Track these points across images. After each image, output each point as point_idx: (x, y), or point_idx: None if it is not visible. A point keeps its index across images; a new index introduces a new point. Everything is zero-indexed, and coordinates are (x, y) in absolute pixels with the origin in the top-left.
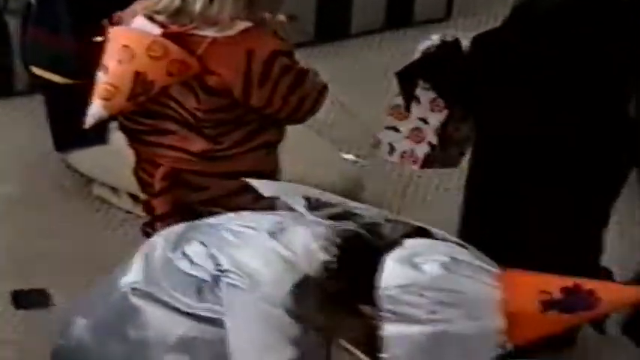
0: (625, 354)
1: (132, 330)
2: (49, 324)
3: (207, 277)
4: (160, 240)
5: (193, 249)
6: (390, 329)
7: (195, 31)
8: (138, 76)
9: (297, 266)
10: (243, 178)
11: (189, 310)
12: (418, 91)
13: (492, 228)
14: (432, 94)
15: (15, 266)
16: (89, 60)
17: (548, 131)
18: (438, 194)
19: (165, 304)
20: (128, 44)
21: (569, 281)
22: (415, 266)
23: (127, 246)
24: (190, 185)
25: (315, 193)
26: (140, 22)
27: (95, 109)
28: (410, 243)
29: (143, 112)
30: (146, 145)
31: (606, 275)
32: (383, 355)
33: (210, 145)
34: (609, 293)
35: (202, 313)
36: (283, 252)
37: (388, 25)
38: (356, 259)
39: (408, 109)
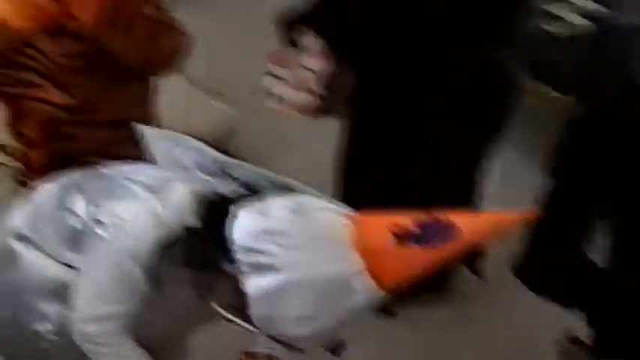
0: (501, 296)
1: (9, 272)
2: None
3: (81, 227)
4: (49, 186)
5: (78, 199)
6: (249, 284)
7: None
8: None
9: (166, 223)
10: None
11: (64, 260)
12: (304, 40)
13: (370, 175)
14: (318, 44)
15: None
16: None
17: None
18: (312, 134)
19: (42, 250)
20: None
21: (425, 214)
22: (264, 214)
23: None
24: (69, 136)
25: (205, 147)
26: None
27: None
28: (270, 199)
29: (5, 62)
30: (12, 98)
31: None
32: (251, 313)
33: (70, 99)
34: (469, 223)
35: (75, 264)
36: (156, 208)
37: None
38: (222, 218)
39: (290, 54)
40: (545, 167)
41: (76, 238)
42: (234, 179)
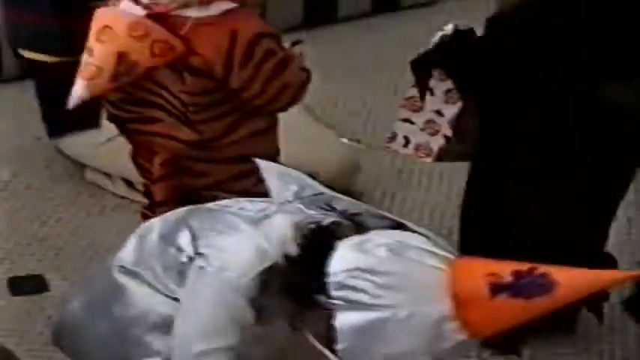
0: (623, 336)
1: (117, 307)
2: (46, 309)
3: (186, 261)
4: (157, 222)
5: (184, 233)
6: (339, 318)
7: (179, 12)
8: (120, 56)
9: (269, 255)
10: (251, 158)
11: (171, 294)
12: (432, 83)
13: (495, 217)
14: (446, 86)
15: (10, 253)
16: (76, 36)
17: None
18: (433, 176)
19: (149, 284)
20: (110, 24)
21: (523, 265)
22: (363, 251)
23: (122, 231)
24: (190, 171)
25: (310, 182)
26: (125, 4)
27: (78, 90)
28: (372, 233)
29: (130, 99)
30: (135, 134)
31: (610, 262)
32: (337, 347)
33: (196, 135)
34: (567, 276)
35: (177, 296)
36: (258, 239)
37: (375, 10)
38: (322, 249)
39: (422, 98)
40: None
41: (182, 272)
42: (336, 211)
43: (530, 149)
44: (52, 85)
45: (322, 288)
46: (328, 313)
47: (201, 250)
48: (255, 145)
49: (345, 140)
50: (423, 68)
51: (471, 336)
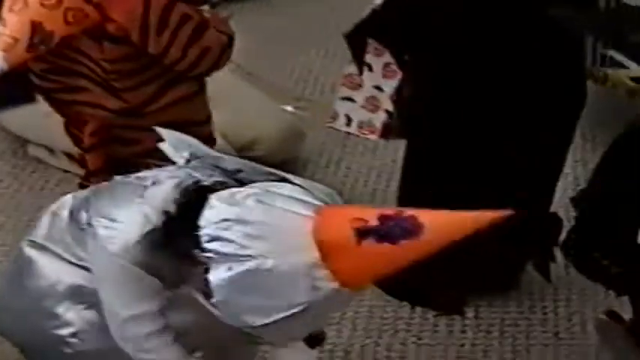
0: (567, 292)
1: (28, 281)
2: None
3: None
4: (69, 198)
5: (84, 208)
6: (213, 272)
7: None
8: (34, 25)
9: (150, 219)
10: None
11: (79, 262)
12: (370, 58)
13: (435, 179)
14: (384, 60)
15: None
16: None
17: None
18: (378, 142)
19: (58, 256)
20: None
21: (389, 210)
22: (232, 202)
23: None
24: (121, 139)
25: (204, 148)
26: None
27: None
28: (249, 185)
29: (53, 69)
30: (64, 105)
31: (556, 222)
32: (212, 301)
33: (122, 103)
34: (436, 220)
35: (87, 264)
36: (142, 206)
37: None
38: (199, 205)
39: (360, 72)
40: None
41: (83, 240)
42: (222, 171)
43: (470, 109)
44: None
45: (197, 242)
46: (205, 267)
47: (92, 222)
48: (183, 111)
49: (288, 108)
50: (358, 41)
51: (344, 284)
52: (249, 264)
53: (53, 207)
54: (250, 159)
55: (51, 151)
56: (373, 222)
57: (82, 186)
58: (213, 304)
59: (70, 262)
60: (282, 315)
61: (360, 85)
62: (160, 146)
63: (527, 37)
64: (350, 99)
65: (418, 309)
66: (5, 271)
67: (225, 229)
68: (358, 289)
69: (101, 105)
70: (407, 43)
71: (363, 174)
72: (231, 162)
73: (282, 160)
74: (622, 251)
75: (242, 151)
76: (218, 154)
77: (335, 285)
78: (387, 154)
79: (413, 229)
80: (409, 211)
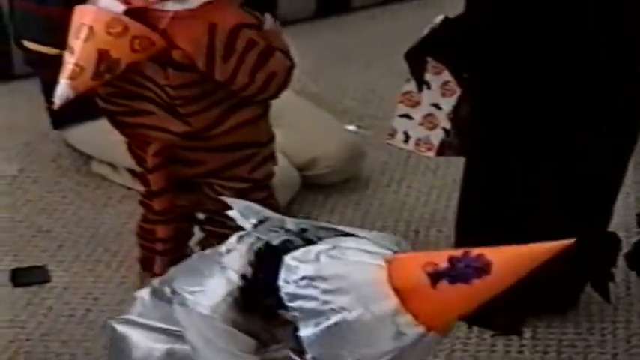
0: (627, 314)
1: (123, 355)
2: (47, 300)
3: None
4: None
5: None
6: (301, 328)
7: (158, 6)
8: (101, 54)
9: (232, 282)
10: (224, 198)
11: (169, 328)
12: (428, 77)
13: (495, 197)
14: (443, 78)
15: (15, 244)
16: None
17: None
18: (440, 161)
19: (148, 326)
20: (88, 22)
21: (457, 251)
22: (305, 260)
23: (127, 221)
24: (184, 160)
25: (269, 213)
26: (105, 1)
27: (62, 89)
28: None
29: (119, 93)
30: (127, 127)
31: (614, 241)
32: (307, 357)
33: (186, 127)
34: (502, 257)
35: (176, 330)
36: (222, 272)
37: None
38: (273, 266)
39: (420, 90)
40: None
41: (169, 310)
42: (287, 231)
43: (527, 128)
44: (54, 78)
45: (280, 302)
46: (293, 325)
47: (177, 290)
48: (247, 133)
49: (351, 127)
50: (417, 59)
51: (427, 328)
52: (335, 318)
53: (142, 293)
54: (312, 177)
55: (114, 167)
56: (444, 264)
57: (144, 204)
58: (305, 356)
59: (161, 330)
60: None
61: (418, 103)
62: (228, 214)
63: (585, 48)
64: (408, 116)
65: (475, 328)
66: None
67: (305, 286)
68: (442, 332)
69: (165, 129)
70: (465, 61)
71: (423, 193)
72: (294, 223)
73: (343, 179)
74: None
75: (303, 170)
76: (282, 217)
77: (420, 329)
78: (448, 173)
79: (483, 268)
80: (476, 250)
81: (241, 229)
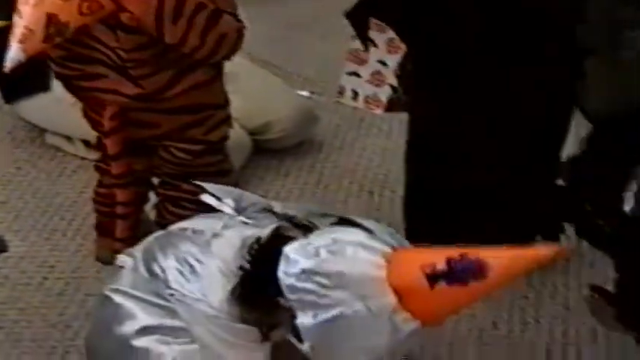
0: (579, 264)
1: (116, 323)
2: (3, 270)
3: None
4: (137, 252)
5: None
6: (299, 319)
7: None
8: (50, 17)
9: (229, 276)
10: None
11: (164, 304)
12: (373, 35)
13: (440, 151)
14: (387, 35)
15: None
16: None
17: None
18: (392, 123)
19: (145, 300)
20: None
21: (454, 251)
22: (305, 254)
23: (82, 191)
24: (140, 123)
25: (243, 192)
26: None
27: (13, 53)
28: (313, 234)
29: (72, 57)
30: (83, 91)
31: (563, 194)
32: (304, 345)
33: (139, 89)
34: (499, 259)
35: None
36: (219, 264)
37: None
38: (271, 256)
39: (365, 47)
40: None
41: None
42: (278, 215)
43: (468, 81)
44: (3, 48)
45: (280, 292)
46: (292, 314)
47: (174, 288)
48: (201, 95)
49: (303, 92)
50: (358, 19)
51: (422, 323)
52: (333, 311)
53: (129, 262)
54: (265, 141)
55: (68, 138)
56: (441, 265)
57: (99, 169)
58: (304, 348)
59: (154, 304)
60: (367, 356)
61: (365, 61)
62: (201, 199)
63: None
64: (356, 74)
65: None
66: (93, 317)
67: (305, 280)
68: (435, 326)
69: (119, 91)
70: (404, 19)
71: (377, 155)
72: (280, 207)
73: (297, 143)
74: (614, 213)
75: (256, 134)
76: (266, 201)
77: (415, 325)
78: (400, 134)
79: (480, 271)
80: (474, 252)
81: (197, 193)
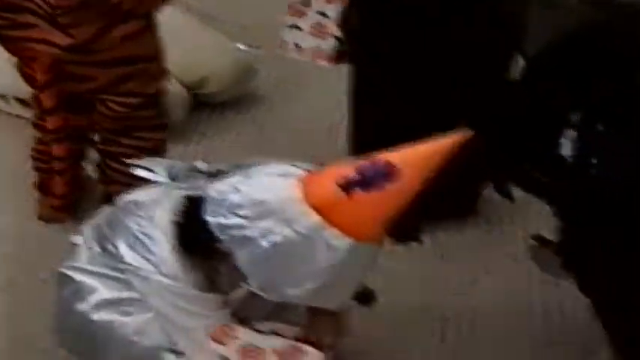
0: (525, 215)
1: (78, 299)
2: None
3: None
4: (88, 230)
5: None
6: (237, 257)
7: None
8: None
9: (170, 237)
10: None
11: (121, 276)
12: None
13: (385, 100)
14: None
15: None
16: None
17: None
18: (332, 74)
19: (97, 274)
20: None
21: (363, 159)
22: (224, 193)
23: (18, 149)
24: (73, 76)
25: (173, 161)
26: None
27: None
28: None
29: (2, 6)
30: (14, 42)
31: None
32: (249, 282)
33: (69, 39)
34: (406, 157)
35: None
36: (159, 233)
37: None
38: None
39: (306, 3)
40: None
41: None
42: (203, 173)
43: (410, 32)
44: None
45: (213, 236)
46: (230, 254)
47: (128, 262)
48: (133, 47)
49: (241, 45)
50: None
51: (356, 238)
52: (264, 242)
53: (80, 240)
54: (204, 96)
55: (3, 97)
56: (353, 174)
57: (36, 125)
58: (251, 285)
59: (113, 277)
60: (314, 282)
61: (304, 13)
62: (137, 174)
63: None
64: (296, 26)
65: None
66: (56, 298)
67: (230, 216)
68: (373, 242)
69: (50, 41)
70: None
71: (319, 106)
72: (206, 166)
73: (236, 97)
74: (548, 161)
75: (194, 89)
76: (192, 164)
77: (348, 240)
78: (341, 85)
79: (391, 172)
80: (381, 156)
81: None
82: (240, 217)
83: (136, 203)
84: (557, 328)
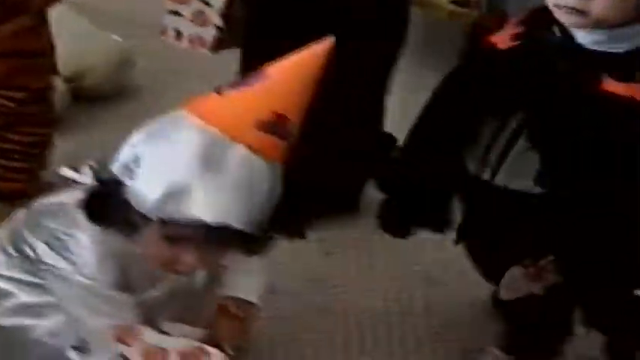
0: None
1: None
2: None
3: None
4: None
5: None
6: (139, 199)
7: None
8: None
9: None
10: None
11: (31, 280)
12: None
13: None
14: None
15: None
16: None
17: None
18: (214, 64)
19: (12, 279)
20: None
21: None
22: (125, 152)
23: None
24: None
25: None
26: None
27: None
28: None
29: None
30: None
31: (390, 141)
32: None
33: None
34: (274, 65)
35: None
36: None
37: None
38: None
39: None
40: None
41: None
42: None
43: (302, 27)
44: None
45: (127, 207)
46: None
47: (45, 259)
48: (25, 41)
49: (116, 37)
50: None
51: (232, 138)
52: (175, 177)
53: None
54: (82, 89)
55: None
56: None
57: None
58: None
59: (27, 283)
60: (230, 202)
61: (185, 0)
62: (62, 174)
63: None
64: (177, 13)
65: None
66: None
67: (125, 153)
68: (271, 160)
69: None
70: None
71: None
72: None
73: (116, 89)
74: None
75: (72, 82)
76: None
77: (240, 148)
78: (222, 74)
79: (260, 75)
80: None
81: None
82: (130, 147)
83: (60, 204)
84: (439, 325)
